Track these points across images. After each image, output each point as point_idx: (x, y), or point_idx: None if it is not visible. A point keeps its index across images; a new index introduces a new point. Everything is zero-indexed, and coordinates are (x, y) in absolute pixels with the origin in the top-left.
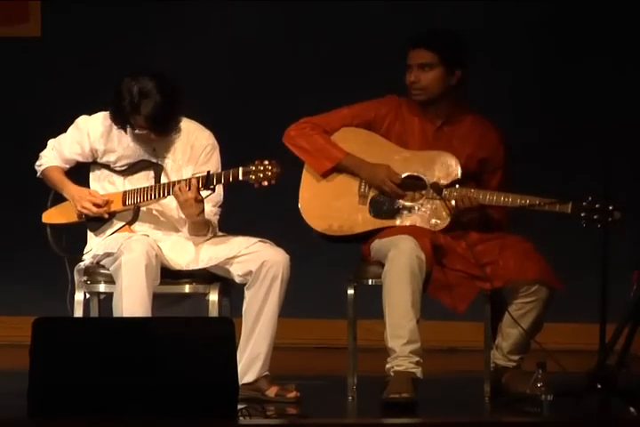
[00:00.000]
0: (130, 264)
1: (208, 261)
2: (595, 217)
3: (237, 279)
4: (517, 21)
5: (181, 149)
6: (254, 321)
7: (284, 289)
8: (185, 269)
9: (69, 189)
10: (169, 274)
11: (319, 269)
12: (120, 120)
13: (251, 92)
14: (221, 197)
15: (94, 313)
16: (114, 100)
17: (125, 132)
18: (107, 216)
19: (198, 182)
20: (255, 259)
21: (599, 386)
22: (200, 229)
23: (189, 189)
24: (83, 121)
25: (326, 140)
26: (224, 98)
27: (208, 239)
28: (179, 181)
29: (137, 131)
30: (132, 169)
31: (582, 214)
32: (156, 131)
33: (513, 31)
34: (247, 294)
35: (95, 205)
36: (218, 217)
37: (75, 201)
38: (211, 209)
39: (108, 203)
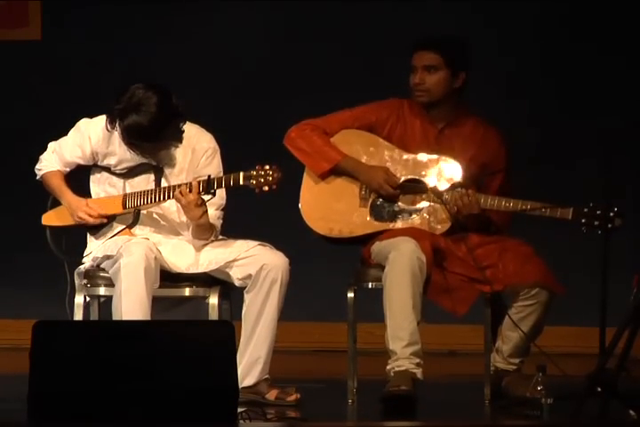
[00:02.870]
0: (129, 267)
1: (208, 265)
2: (595, 223)
3: (237, 283)
4: (522, 18)
5: (182, 153)
6: (254, 324)
7: (284, 293)
8: (185, 272)
9: (67, 197)
10: (169, 277)
11: (319, 272)
12: (111, 123)
13: (251, 94)
14: (224, 200)
15: (94, 316)
16: (116, 99)
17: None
18: (105, 221)
19: (199, 185)
20: (254, 262)
21: (599, 389)
22: (204, 232)
23: (190, 191)
24: (84, 124)
25: (325, 142)
26: (224, 100)
27: (208, 243)
28: (179, 185)
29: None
30: (132, 172)
31: (583, 220)
32: (128, 144)
33: (517, 29)
34: (247, 297)
35: (91, 216)
36: (221, 221)
37: (71, 210)
38: (214, 213)
39: (102, 216)
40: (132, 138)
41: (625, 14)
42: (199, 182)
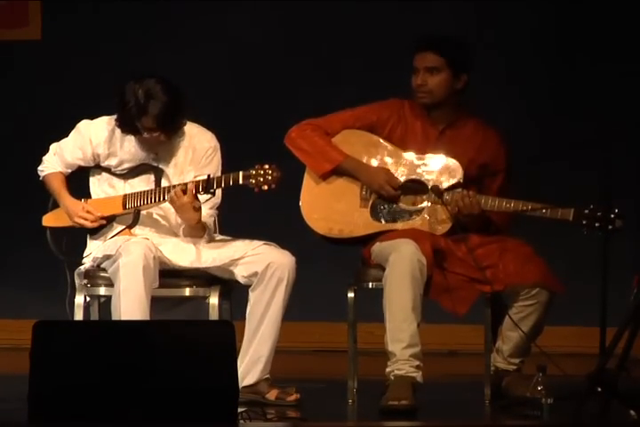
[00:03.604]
0: (127, 267)
1: (212, 262)
2: (596, 225)
3: (242, 280)
4: (522, 17)
5: (183, 153)
6: (258, 323)
7: (290, 292)
8: (189, 266)
9: (65, 201)
10: (170, 275)
11: (320, 272)
12: (127, 124)
13: (251, 93)
14: (219, 199)
15: (94, 316)
16: (119, 104)
17: (134, 135)
18: (104, 222)
19: (196, 187)
20: (261, 260)
21: (599, 389)
22: (196, 231)
23: (185, 193)
24: (84, 126)
25: (326, 142)
26: (224, 99)
27: (208, 242)
28: (175, 186)
29: (145, 134)
30: (132, 172)
31: (584, 222)
32: (166, 130)
33: (517, 29)
34: (252, 295)
35: (87, 220)
36: (213, 219)
37: (68, 214)
38: (207, 211)
39: (100, 219)
40: (166, 122)
41: (624, 14)
42: (199, 182)
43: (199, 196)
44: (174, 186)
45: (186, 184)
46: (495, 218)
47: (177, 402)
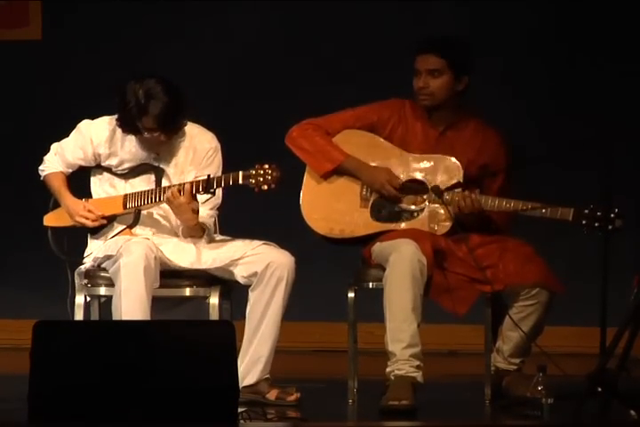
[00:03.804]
0: (128, 267)
1: (212, 263)
2: (596, 225)
3: (242, 281)
4: (521, 22)
5: (184, 153)
6: (258, 323)
7: (289, 291)
8: (190, 267)
9: (66, 200)
10: (171, 275)
11: (320, 271)
12: (128, 124)
13: (251, 93)
14: (220, 199)
15: (95, 316)
16: (119, 104)
17: (135, 135)
18: (105, 222)
19: (196, 187)
20: (261, 260)
21: (600, 390)
22: (194, 232)
23: (182, 194)
24: (85, 126)
25: (328, 142)
26: (224, 99)
27: (208, 242)
28: (173, 186)
29: (146, 134)
30: (133, 172)
31: (583, 222)
32: (166, 130)
33: (518, 32)
34: (251, 295)
35: (88, 219)
36: (214, 219)
37: (69, 213)
38: (207, 212)
39: (101, 218)
40: (167, 122)
41: (624, 14)
42: (198, 182)
43: (199, 196)
44: (174, 186)
45: (182, 184)
46: (495, 218)
47: (177, 402)
